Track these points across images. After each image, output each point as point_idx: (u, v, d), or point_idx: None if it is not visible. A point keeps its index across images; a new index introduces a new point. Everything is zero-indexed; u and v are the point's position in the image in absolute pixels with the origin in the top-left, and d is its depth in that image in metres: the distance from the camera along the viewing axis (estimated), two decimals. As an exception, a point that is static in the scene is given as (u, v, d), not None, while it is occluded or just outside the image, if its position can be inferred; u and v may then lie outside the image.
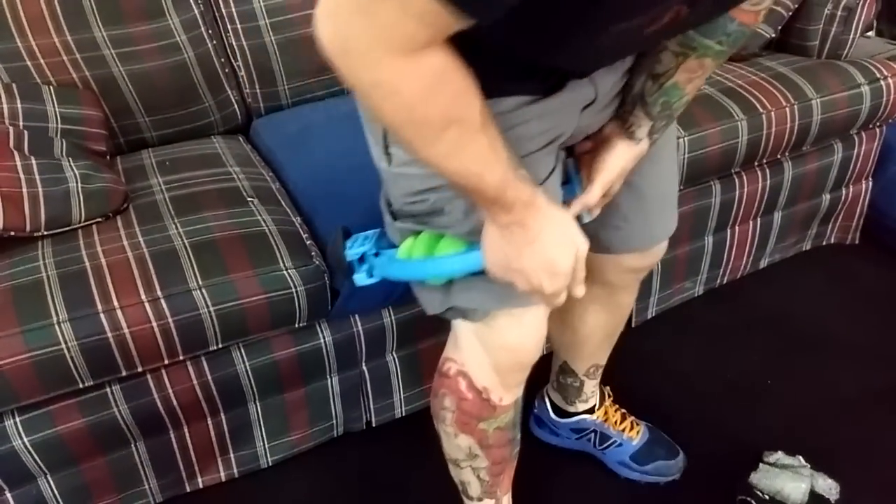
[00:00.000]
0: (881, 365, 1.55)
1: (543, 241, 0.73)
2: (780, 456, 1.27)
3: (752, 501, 1.22)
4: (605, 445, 1.32)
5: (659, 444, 1.32)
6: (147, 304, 1.06)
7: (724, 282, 1.77)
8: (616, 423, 1.31)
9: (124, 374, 1.10)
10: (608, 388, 1.34)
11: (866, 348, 1.59)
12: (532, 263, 0.74)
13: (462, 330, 0.93)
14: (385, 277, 0.91)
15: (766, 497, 1.21)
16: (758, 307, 1.73)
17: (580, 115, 0.83)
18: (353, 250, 0.91)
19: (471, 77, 0.63)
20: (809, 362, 1.56)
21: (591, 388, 1.29)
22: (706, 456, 1.34)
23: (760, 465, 1.26)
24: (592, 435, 1.33)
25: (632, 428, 1.32)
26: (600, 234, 1.00)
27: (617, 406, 1.34)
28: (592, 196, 0.90)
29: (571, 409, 1.32)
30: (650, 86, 0.85)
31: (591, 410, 1.31)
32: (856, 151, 1.72)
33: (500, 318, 0.88)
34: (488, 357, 0.92)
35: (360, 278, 0.91)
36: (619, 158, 0.87)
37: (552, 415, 1.34)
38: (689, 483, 1.31)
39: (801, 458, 1.27)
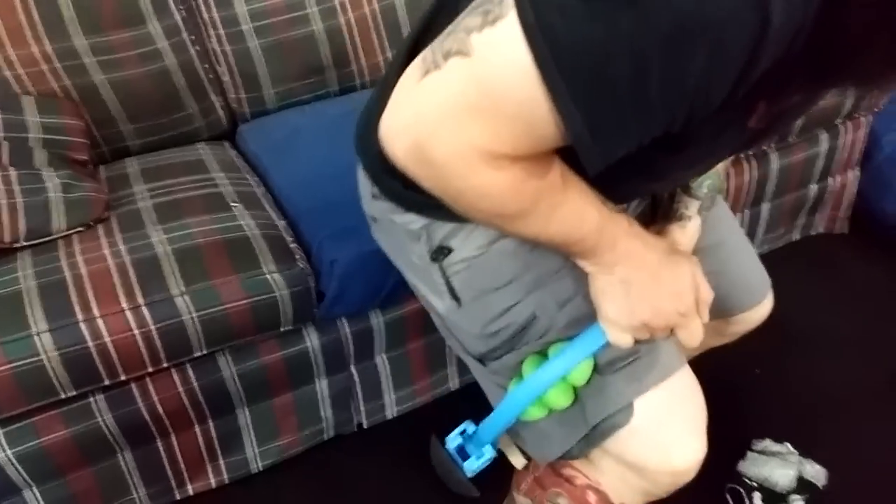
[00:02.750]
0: (869, 353, 1.55)
1: (653, 261, 0.72)
2: (767, 443, 1.27)
3: (741, 489, 1.22)
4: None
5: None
6: (128, 313, 1.06)
7: (715, 275, 1.77)
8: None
9: (107, 383, 1.09)
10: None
11: (854, 337, 1.59)
12: (654, 286, 0.71)
13: (602, 454, 0.81)
14: (498, 435, 0.80)
15: (755, 484, 1.21)
16: (748, 299, 1.72)
17: None
18: (451, 442, 0.82)
19: (542, 153, 0.61)
20: (798, 351, 1.56)
21: None
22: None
23: (748, 452, 1.26)
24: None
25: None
26: None
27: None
28: None
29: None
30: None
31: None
32: (841, 141, 1.72)
33: (646, 422, 0.75)
34: (642, 482, 0.81)
35: (471, 464, 0.80)
36: (683, 236, 0.86)
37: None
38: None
39: (788, 445, 1.27)
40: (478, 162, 0.58)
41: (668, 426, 0.77)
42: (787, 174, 1.69)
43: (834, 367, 1.52)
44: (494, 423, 0.79)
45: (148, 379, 1.14)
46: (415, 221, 0.77)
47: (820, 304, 1.69)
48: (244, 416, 1.28)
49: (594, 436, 0.77)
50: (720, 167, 0.88)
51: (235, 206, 1.26)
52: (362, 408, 1.40)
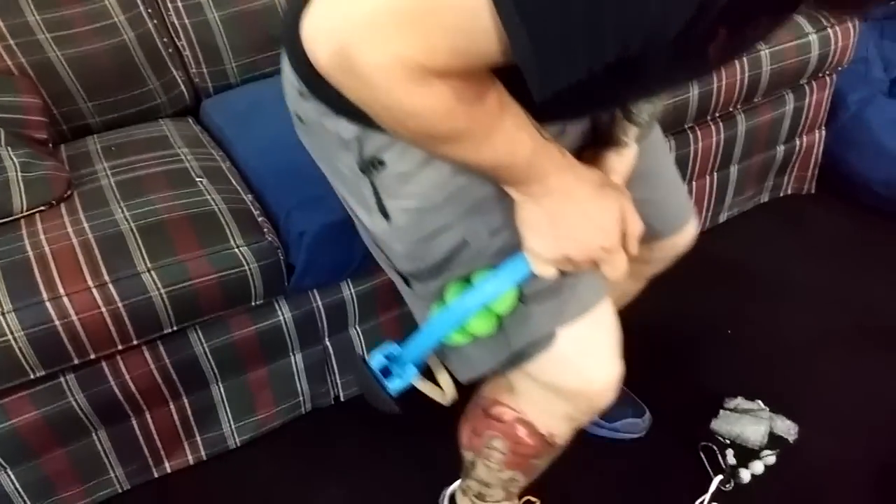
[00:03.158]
0: (837, 309, 1.58)
1: (581, 195, 0.71)
2: (739, 401, 1.30)
3: (714, 447, 1.24)
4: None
5: (626, 403, 1.34)
6: (95, 290, 1.04)
7: (685, 238, 1.79)
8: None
9: (77, 362, 1.08)
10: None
11: (823, 294, 1.62)
12: (580, 220, 0.71)
13: (524, 379, 0.83)
14: (421, 357, 0.79)
15: (727, 441, 1.24)
16: (717, 260, 1.75)
17: None
18: (375, 360, 0.80)
19: (477, 73, 0.57)
20: (768, 309, 1.59)
21: None
22: (668, 406, 1.36)
23: (721, 411, 1.29)
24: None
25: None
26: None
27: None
28: None
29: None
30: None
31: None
32: (807, 101, 1.73)
33: (567, 348, 0.78)
34: (563, 405, 0.83)
35: (396, 384, 0.79)
36: (619, 163, 0.84)
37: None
38: (653, 433, 1.33)
39: (760, 402, 1.30)
40: (406, 76, 0.53)
41: (587, 352, 0.79)
42: (754, 136, 1.70)
43: (803, 323, 1.55)
44: (417, 345, 0.78)
45: (119, 357, 1.13)
46: (347, 129, 0.72)
47: (789, 263, 1.72)
48: (219, 392, 1.28)
49: (516, 357, 0.78)
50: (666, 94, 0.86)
51: (201, 181, 1.24)
52: (338, 381, 1.41)
